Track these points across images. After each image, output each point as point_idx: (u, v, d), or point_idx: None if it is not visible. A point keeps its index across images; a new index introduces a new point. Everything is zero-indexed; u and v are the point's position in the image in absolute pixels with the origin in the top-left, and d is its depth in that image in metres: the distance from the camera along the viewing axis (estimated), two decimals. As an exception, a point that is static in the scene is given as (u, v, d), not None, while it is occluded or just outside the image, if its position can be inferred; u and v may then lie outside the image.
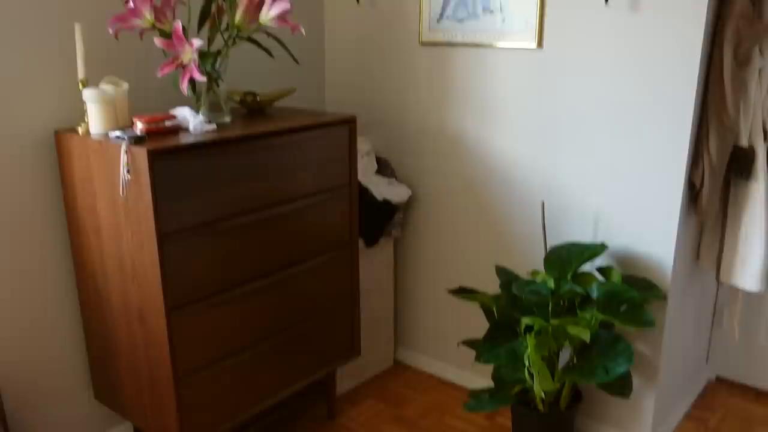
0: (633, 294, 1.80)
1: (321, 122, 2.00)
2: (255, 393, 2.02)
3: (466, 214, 2.41)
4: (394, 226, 2.52)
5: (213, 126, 1.81)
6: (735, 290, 2.20)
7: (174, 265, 1.70)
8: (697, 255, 2.18)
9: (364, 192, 2.38)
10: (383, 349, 2.68)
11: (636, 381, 2.11)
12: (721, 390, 2.55)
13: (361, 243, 2.41)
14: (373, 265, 2.53)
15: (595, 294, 1.84)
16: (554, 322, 1.83)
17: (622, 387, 1.92)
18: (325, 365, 2.25)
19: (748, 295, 2.45)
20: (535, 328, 1.85)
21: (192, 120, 1.78)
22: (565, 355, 2.22)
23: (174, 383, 1.78)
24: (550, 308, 1.91)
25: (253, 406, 2.02)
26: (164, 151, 1.62)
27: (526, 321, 1.86)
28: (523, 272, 2.29)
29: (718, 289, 2.51)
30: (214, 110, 1.91)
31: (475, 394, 1.99)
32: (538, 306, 1.94)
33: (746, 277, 2.01)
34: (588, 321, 1.85)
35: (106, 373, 2.02)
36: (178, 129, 1.80)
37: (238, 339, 1.92)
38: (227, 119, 1.94)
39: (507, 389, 2.01)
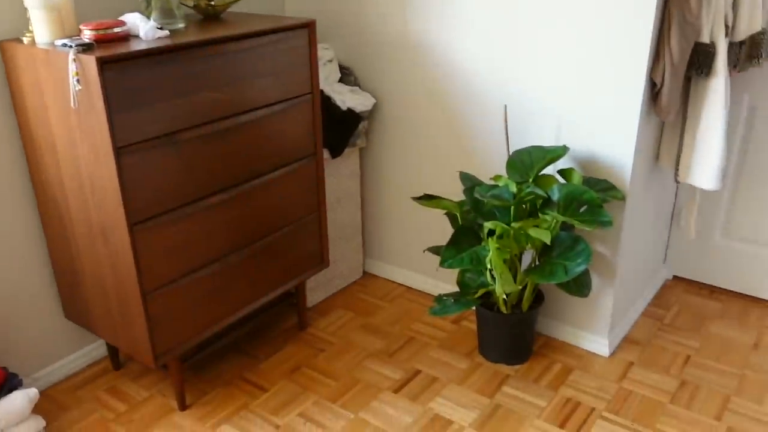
0: (592, 195, 1.83)
1: (278, 27, 1.94)
2: (225, 305, 2.04)
3: (430, 122, 2.40)
4: (359, 136, 2.50)
5: (165, 32, 1.74)
6: (693, 189, 2.25)
7: (133, 179, 1.68)
8: (657, 155, 2.21)
9: (327, 101, 2.34)
10: (352, 260, 2.72)
11: (595, 281, 2.18)
12: (677, 288, 2.65)
13: (326, 154, 2.39)
14: (340, 176, 2.53)
15: (555, 196, 1.87)
16: (515, 225, 1.86)
17: (580, 287, 1.98)
18: (294, 276, 2.28)
19: (705, 195, 2.52)
20: (497, 231, 1.88)
21: (142, 26, 1.71)
22: (527, 258, 2.28)
23: (142, 298, 1.79)
24: (512, 212, 1.94)
25: (224, 318, 2.05)
26: (114, 59, 1.56)
27: (488, 225, 1.89)
28: (487, 178, 2.30)
29: (677, 190, 2.56)
30: (166, 16, 1.84)
31: (440, 299, 2.04)
32: (500, 210, 1.97)
33: (704, 175, 2.05)
34: (549, 223, 1.89)
35: (74, 292, 2.02)
36: (129, 36, 1.73)
37: (205, 252, 1.92)
38: (181, 25, 1.87)
39: (471, 293, 2.06)
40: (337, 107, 2.36)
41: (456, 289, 2.57)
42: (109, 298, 1.90)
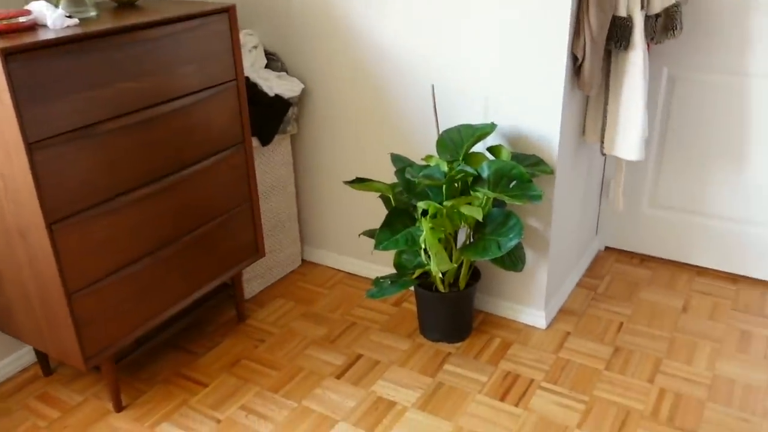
0: (521, 170, 1.85)
1: (196, 12, 1.88)
2: (158, 301, 1.98)
3: (360, 105, 2.38)
4: (289, 123, 2.46)
5: (75, 21, 1.67)
6: (619, 161, 2.31)
7: (49, 175, 1.60)
8: (583, 130, 2.25)
9: (253, 88, 2.29)
10: (290, 249, 2.68)
11: (529, 255, 2.22)
12: (609, 258, 2.72)
13: (255, 142, 2.35)
14: (272, 164, 2.49)
15: (485, 173, 1.88)
16: (447, 204, 1.86)
17: (515, 261, 2.01)
18: (229, 268, 2.23)
19: (632, 166, 2.59)
20: (430, 211, 1.88)
21: (50, 15, 1.63)
22: (462, 236, 2.29)
23: (66, 300, 1.72)
24: (444, 191, 1.94)
25: (158, 315, 1.99)
26: (20, 50, 1.48)
27: (421, 205, 1.89)
28: (418, 159, 2.31)
29: (605, 162, 2.63)
30: (75, 4, 1.76)
31: (377, 282, 2.03)
32: (432, 190, 1.97)
33: (627, 147, 2.11)
34: (480, 200, 1.90)
35: (-7, 295, 1.93)
36: (36, 25, 1.65)
37: (133, 248, 1.86)
38: (92, 13, 1.79)
39: (408, 274, 2.06)
40: (265, 94, 2.31)
41: (394, 271, 2.57)
42: (32, 303, 1.82)
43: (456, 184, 1.95)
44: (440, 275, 2.02)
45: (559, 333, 2.27)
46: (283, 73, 2.44)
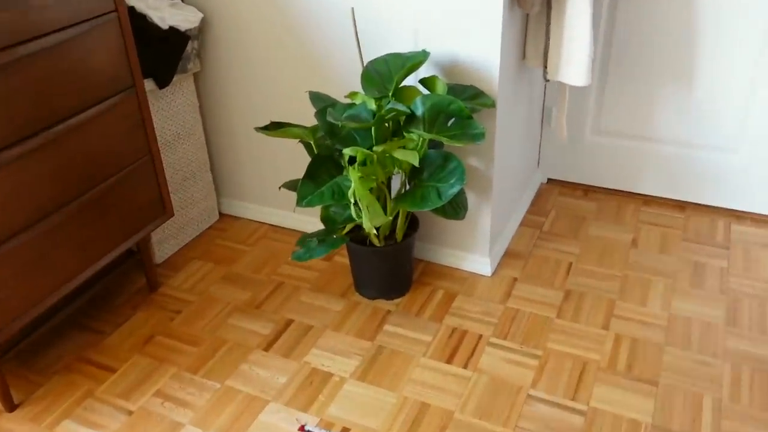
0: (459, 106, 1.60)
1: (51, -73, 1.50)
2: (51, 277, 1.68)
3: (271, 35, 2.06)
4: (190, 60, 2.12)
5: None
6: (562, 87, 2.10)
7: None
8: (524, 54, 2.02)
9: (142, 20, 1.93)
10: (204, 203, 2.39)
11: (471, 199, 2.01)
12: (552, 192, 2.55)
13: (150, 84, 2.01)
14: (174, 109, 2.15)
15: (419, 110, 1.63)
16: (378, 149, 1.61)
17: (456, 209, 1.79)
18: (133, 233, 1.93)
19: (573, 92, 2.38)
20: (359, 158, 1.63)
21: None
22: (396, 183, 2.05)
23: (-77, 290, 1.40)
24: (373, 133, 1.68)
25: (52, 292, 1.69)
26: None
27: (347, 152, 1.63)
28: (342, 96, 2.03)
29: (545, 89, 2.41)
30: None
31: (303, 241, 1.78)
32: (359, 133, 1.71)
33: (573, 71, 1.89)
34: (415, 143, 1.66)
35: None
36: None
37: (15, 217, 1.54)
38: None
39: (338, 229, 1.82)
40: (156, 27, 1.96)
41: (321, 225, 2.32)
42: None
43: (387, 125, 1.70)
44: (374, 229, 1.79)
45: (506, 280, 2.09)
46: (178, 1, 2.07)
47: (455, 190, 1.62)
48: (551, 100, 2.42)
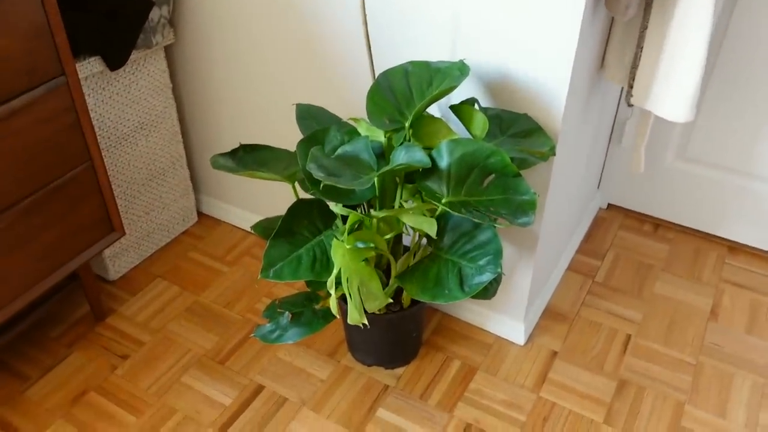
0: (503, 160, 1.09)
1: None
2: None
3: (267, 5, 1.54)
4: (156, 31, 1.62)
5: None
6: (647, 112, 1.54)
7: None
8: (602, 62, 1.47)
9: (85, -19, 1.43)
10: (179, 203, 1.93)
11: (507, 250, 1.51)
12: (613, 222, 2.03)
13: (99, 65, 1.52)
14: (137, 93, 1.67)
15: (443, 161, 1.12)
16: (378, 214, 1.12)
17: (483, 291, 1.30)
18: (71, 256, 1.50)
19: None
20: (350, 221, 1.14)
21: None
22: (406, 238, 1.56)
23: None
24: (375, 184, 1.19)
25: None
26: None
27: (337, 211, 1.14)
28: (347, 110, 1.52)
29: (620, 96, 1.86)
30: None
31: (272, 313, 1.32)
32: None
33: (670, 101, 1.34)
34: (436, 206, 1.16)
35: None
36: None
37: None
38: None
39: (321, 298, 1.35)
40: (106, -11, 1.45)
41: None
42: None
43: (396, 177, 1.20)
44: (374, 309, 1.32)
45: (543, 353, 1.62)
46: (143, -49, 1.55)
47: (485, 279, 1.12)
48: (626, 111, 1.86)
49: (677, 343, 1.64)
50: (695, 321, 1.70)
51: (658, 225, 2.02)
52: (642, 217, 2.04)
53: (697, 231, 1.98)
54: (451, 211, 1.08)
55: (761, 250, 1.91)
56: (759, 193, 1.80)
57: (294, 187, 1.28)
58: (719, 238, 1.96)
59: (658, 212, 1.99)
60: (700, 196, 1.90)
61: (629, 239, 1.97)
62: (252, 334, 1.49)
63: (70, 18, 1.40)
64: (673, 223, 2.00)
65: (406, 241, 1.61)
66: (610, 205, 2.08)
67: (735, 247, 1.93)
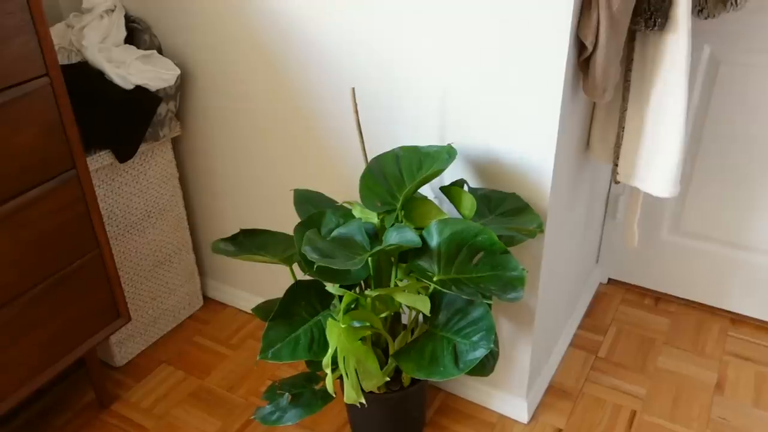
0: (490, 238, 1.13)
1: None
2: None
3: (265, 97, 1.63)
4: (163, 125, 1.71)
5: None
6: (636, 190, 1.59)
7: None
8: (587, 142, 1.53)
9: (97, 78, 1.53)
10: (185, 288, 1.97)
11: (505, 329, 1.53)
12: (614, 297, 2.04)
13: (110, 158, 1.60)
14: (145, 183, 1.75)
15: (434, 241, 1.17)
16: (371, 293, 1.15)
17: (480, 367, 1.31)
18: (77, 343, 1.53)
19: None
20: (345, 301, 1.17)
21: None
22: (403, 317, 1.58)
23: None
24: (370, 264, 1.23)
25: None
26: None
27: (331, 290, 1.18)
28: (342, 193, 1.58)
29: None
30: None
31: (272, 395, 1.33)
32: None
33: (655, 178, 1.39)
34: (427, 285, 1.19)
35: None
36: None
37: None
38: None
39: (321, 378, 1.37)
40: (117, 87, 1.55)
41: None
42: None
43: (390, 257, 1.24)
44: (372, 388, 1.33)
45: (547, 431, 1.60)
46: (153, 52, 1.66)
47: (478, 355, 1.14)
48: (618, 187, 1.91)
49: (684, 418, 1.62)
50: (701, 395, 1.69)
51: (659, 298, 2.03)
52: (643, 291, 2.05)
53: (699, 303, 1.99)
54: (442, 288, 1.11)
55: (764, 322, 1.91)
56: (756, 265, 1.82)
57: (291, 269, 1.33)
58: (721, 310, 1.96)
59: (659, 286, 2.00)
60: (699, 269, 1.91)
61: (631, 313, 1.97)
62: (252, 416, 1.50)
63: (82, 113, 1.49)
64: (674, 296, 2.01)
65: (405, 319, 1.63)
66: (610, 280, 2.09)
67: (737, 319, 1.93)
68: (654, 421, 1.62)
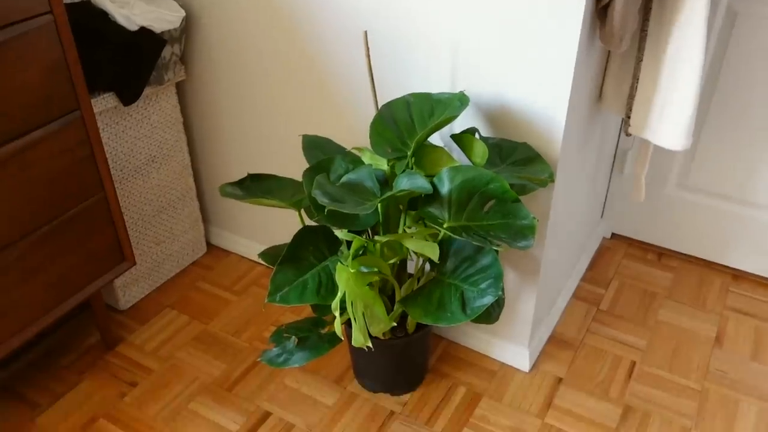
0: (501, 186, 1.13)
1: None
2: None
3: (272, 39, 1.60)
4: (167, 68, 1.68)
5: None
6: (646, 142, 1.58)
7: None
8: (600, 94, 1.51)
9: (102, 18, 1.50)
10: (188, 235, 1.97)
11: (510, 276, 1.54)
12: (617, 252, 2.05)
13: (112, 100, 1.58)
14: (149, 127, 1.73)
15: (444, 188, 1.16)
16: (381, 239, 1.15)
17: (487, 312, 1.32)
18: (83, 285, 1.54)
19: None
20: (354, 246, 1.17)
21: None
22: (410, 265, 1.58)
23: None
24: (379, 210, 1.22)
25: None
26: None
27: (341, 236, 1.18)
28: (351, 140, 1.56)
29: (621, 126, 1.89)
30: None
31: (279, 338, 1.34)
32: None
33: (667, 130, 1.38)
34: (437, 231, 1.19)
35: None
36: None
37: None
38: None
39: (327, 323, 1.38)
40: (121, 28, 1.52)
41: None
42: None
43: (399, 204, 1.23)
44: (378, 334, 1.34)
45: (548, 379, 1.63)
46: (157, -8, 1.62)
47: (486, 302, 1.15)
48: (627, 141, 1.90)
49: (682, 370, 1.65)
50: (700, 348, 1.71)
51: (661, 254, 2.03)
52: (646, 246, 2.06)
53: (701, 259, 2.00)
54: (452, 235, 1.11)
55: (765, 278, 1.92)
56: (761, 222, 1.82)
57: (300, 214, 1.32)
58: (723, 266, 1.97)
59: (662, 241, 2.01)
60: (703, 225, 1.92)
61: (633, 268, 1.98)
62: (258, 359, 1.52)
63: (86, 55, 1.46)
64: (677, 252, 2.02)
65: (411, 268, 1.63)
66: (614, 235, 2.10)
67: (739, 275, 1.94)
68: (653, 371, 1.64)
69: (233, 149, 1.86)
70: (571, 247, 1.75)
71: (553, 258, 1.57)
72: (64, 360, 1.71)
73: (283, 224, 1.90)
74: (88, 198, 1.49)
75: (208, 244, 2.10)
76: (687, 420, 1.52)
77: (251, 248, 2.02)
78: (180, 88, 1.83)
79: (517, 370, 1.65)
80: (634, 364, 1.67)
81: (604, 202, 2.04)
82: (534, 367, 1.66)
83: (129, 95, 1.59)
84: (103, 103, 1.56)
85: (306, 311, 1.83)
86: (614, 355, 1.69)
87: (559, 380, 1.63)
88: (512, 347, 1.64)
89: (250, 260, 2.04)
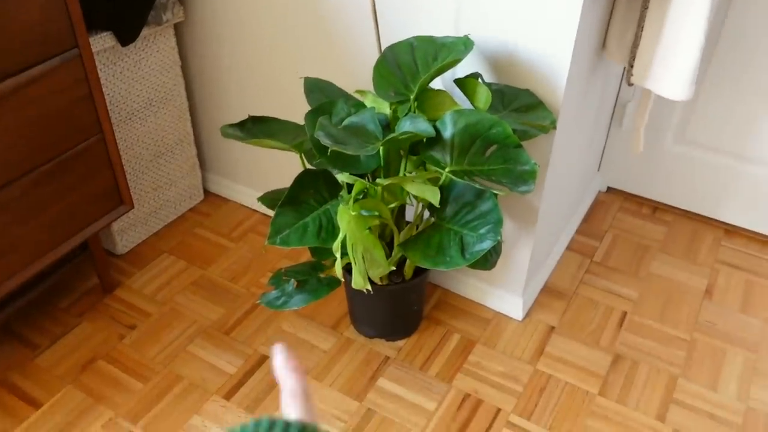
0: (504, 131, 1.13)
1: None
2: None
3: (271, -11, 1.57)
4: (166, 8, 1.65)
5: None
6: (647, 92, 1.58)
7: None
8: (603, 42, 1.50)
9: (98, -43, 1.47)
10: (185, 181, 1.97)
11: (507, 224, 1.55)
12: (612, 205, 2.06)
13: (110, 40, 1.56)
14: (147, 69, 1.71)
15: (447, 132, 1.16)
16: (382, 182, 1.15)
17: (484, 258, 1.34)
18: (81, 227, 1.54)
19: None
20: (356, 189, 1.17)
21: None
22: (409, 211, 1.59)
23: None
24: (381, 153, 1.22)
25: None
26: None
27: (342, 179, 1.18)
28: (353, 85, 1.55)
29: (622, 79, 1.89)
30: None
31: (278, 281, 1.36)
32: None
33: (669, 79, 1.37)
34: (439, 174, 1.19)
35: None
36: None
37: None
38: None
39: (326, 267, 1.39)
40: (118, -35, 1.49)
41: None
42: None
43: (400, 149, 1.23)
44: (376, 279, 1.35)
45: (540, 328, 1.66)
46: (155, -71, 1.58)
47: (485, 246, 1.16)
48: (625, 94, 1.90)
49: (672, 320, 1.68)
50: (690, 300, 1.74)
51: (656, 208, 2.05)
52: (641, 200, 2.08)
53: (695, 214, 2.02)
54: (454, 178, 1.11)
55: (757, 233, 1.95)
56: (756, 177, 1.84)
57: (302, 156, 1.32)
58: (716, 221, 2.00)
59: (657, 195, 2.03)
60: (698, 180, 1.93)
61: (628, 221, 2.00)
62: (258, 301, 1.53)
63: (83, -8, 1.43)
64: (671, 206, 2.04)
65: (409, 216, 1.64)
66: (609, 188, 2.11)
67: (731, 230, 1.97)
68: (643, 322, 1.68)
69: (231, 94, 1.84)
70: (567, 197, 1.76)
71: (550, 207, 1.58)
72: (63, 302, 1.72)
73: (279, 172, 1.90)
74: (87, 138, 1.48)
75: (206, 192, 2.10)
76: (675, 368, 1.56)
77: (249, 196, 2.02)
78: (178, 30, 1.80)
79: (511, 318, 1.68)
80: (625, 314, 1.70)
81: (602, 156, 2.05)
82: (527, 316, 1.69)
83: (126, 35, 1.56)
84: (101, 43, 1.54)
85: (304, 258, 1.85)
86: (606, 306, 1.72)
87: (552, 329, 1.66)
88: (506, 296, 1.67)
89: (248, 208, 2.04)
